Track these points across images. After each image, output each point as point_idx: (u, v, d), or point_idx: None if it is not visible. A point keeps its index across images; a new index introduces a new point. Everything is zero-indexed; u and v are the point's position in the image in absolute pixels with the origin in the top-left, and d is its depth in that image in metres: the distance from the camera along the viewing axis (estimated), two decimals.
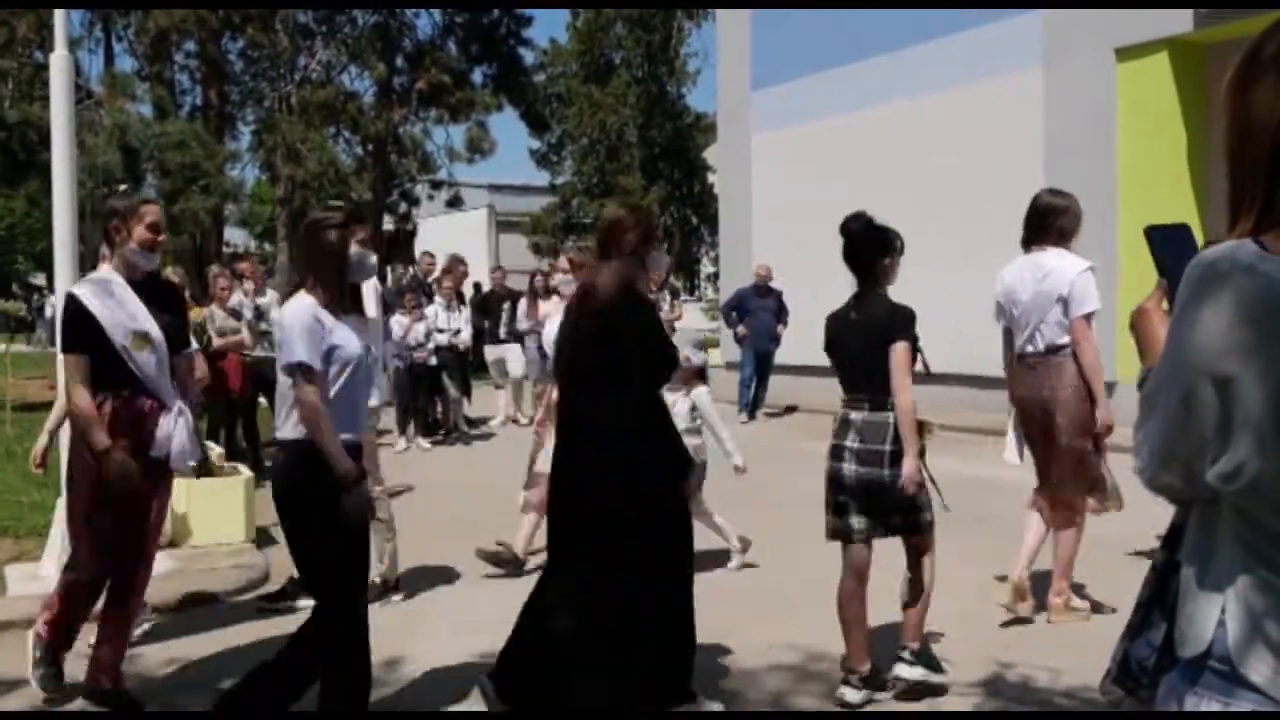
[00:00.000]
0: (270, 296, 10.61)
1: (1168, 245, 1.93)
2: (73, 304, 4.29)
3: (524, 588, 6.07)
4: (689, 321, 26.97)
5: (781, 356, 13.80)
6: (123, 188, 9.38)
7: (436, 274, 13.10)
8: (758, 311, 13.68)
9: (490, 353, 13.80)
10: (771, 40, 16.78)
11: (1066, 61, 12.32)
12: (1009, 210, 13.09)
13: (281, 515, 3.72)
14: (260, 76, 24.10)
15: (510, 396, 13.55)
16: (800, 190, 15.70)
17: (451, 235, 28.39)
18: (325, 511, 3.58)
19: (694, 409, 6.33)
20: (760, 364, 13.73)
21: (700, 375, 6.70)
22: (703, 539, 7.38)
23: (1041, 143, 12.58)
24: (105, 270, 4.43)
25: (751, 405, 13.68)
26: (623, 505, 3.88)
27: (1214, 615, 1.49)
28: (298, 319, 3.65)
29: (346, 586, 3.70)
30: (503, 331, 13.41)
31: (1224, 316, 1.43)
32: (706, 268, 35.38)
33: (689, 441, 5.37)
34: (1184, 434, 1.49)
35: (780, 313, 13.58)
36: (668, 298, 13.18)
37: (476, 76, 25.74)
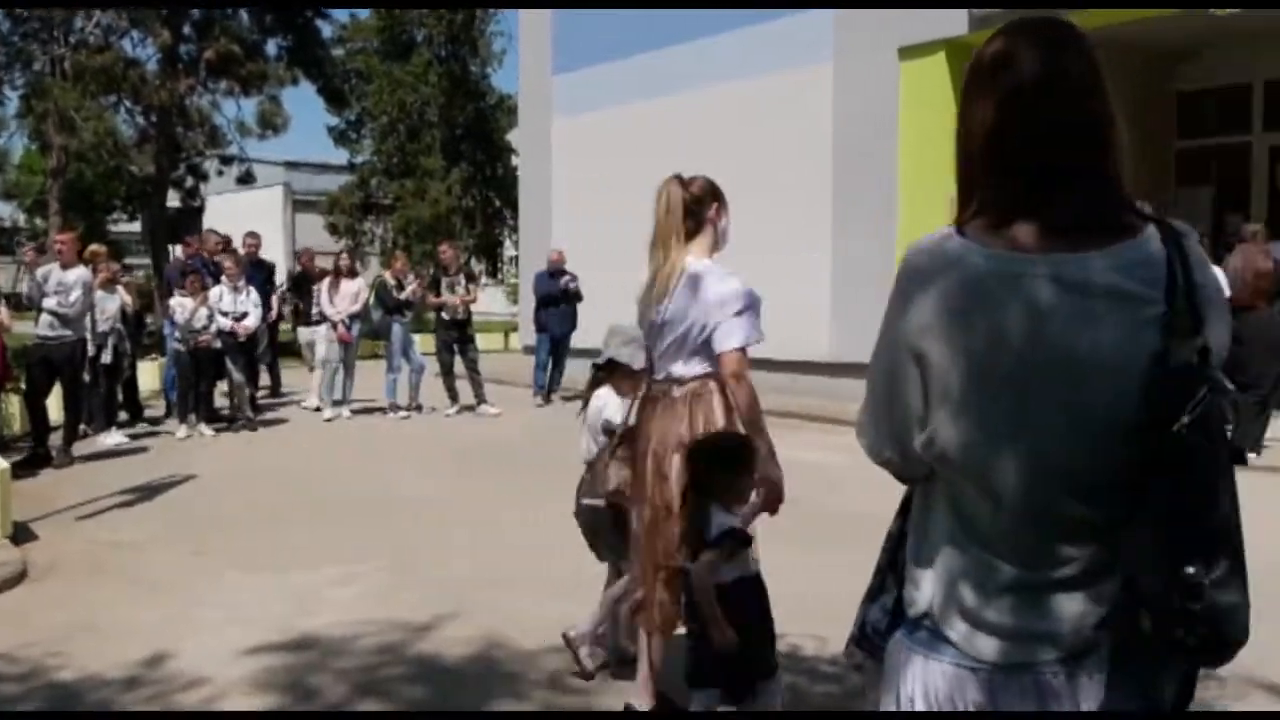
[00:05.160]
0: (78, 273, 9.72)
1: None
2: None
3: (303, 580, 5.95)
4: (490, 306, 26.80)
5: (579, 341, 13.84)
6: None
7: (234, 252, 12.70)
8: (554, 296, 13.69)
9: (302, 335, 13.71)
10: (573, 25, 16.78)
11: (854, 58, 12.77)
12: (802, 198, 13.64)
13: None
14: (30, 37, 22.53)
15: (323, 380, 13.03)
16: (600, 176, 15.78)
17: (243, 213, 27.34)
18: None
19: None
20: (555, 348, 13.75)
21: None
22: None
23: (831, 134, 13.01)
24: None
25: (547, 388, 13.69)
26: None
27: (929, 578, 1.63)
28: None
29: None
30: (314, 313, 13.09)
31: (926, 299, 1.56)
32: (509, 251, 35.14)
33: None
34: (892, 410, 1.63)
35: (569, 297, 13.60)
36: (463, 281, 13.01)
37: (270, 48, 24.83)
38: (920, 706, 1.63)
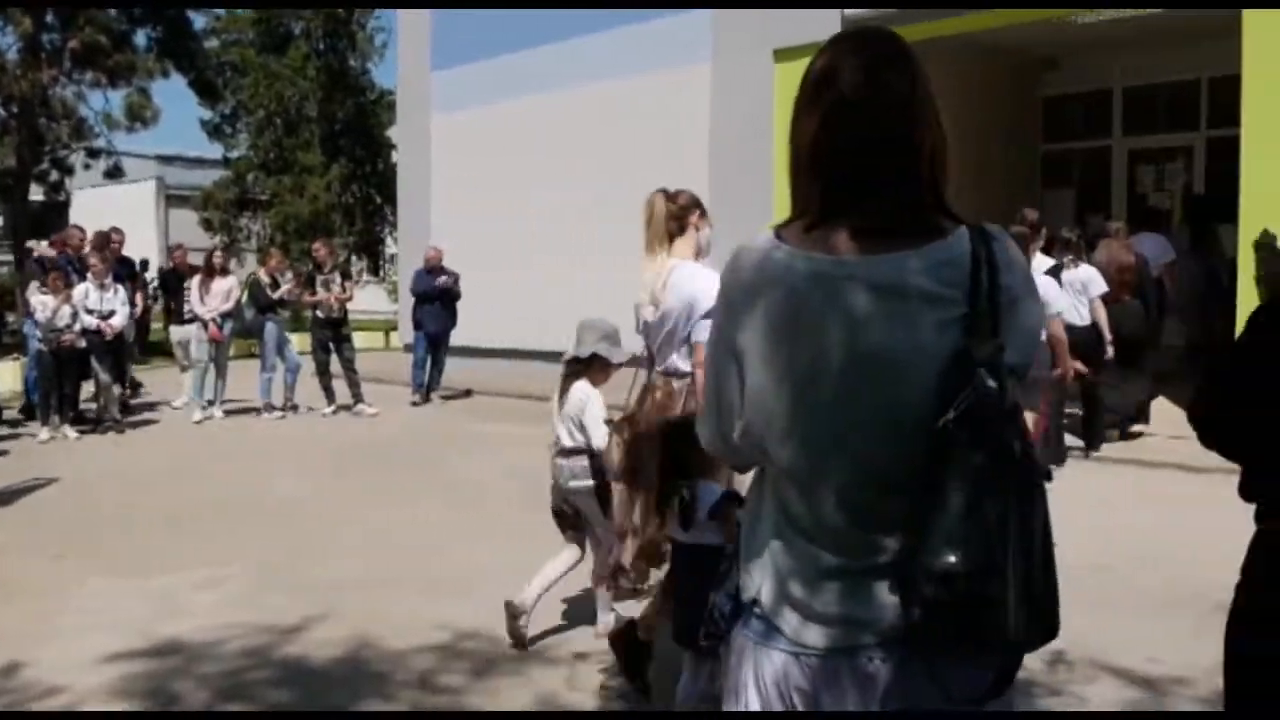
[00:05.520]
0: None
1: None
2: None
3: (168, 584, 5.80)
4: (372, 304, 26.37)
5: (459, 339, 13.73)
6: None
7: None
8: (430, 294, 13.54)
9: (175, 334, 13.24)
10: (453, 22, 16.63)
11: (732, 59, 12.93)
12: None
13: None
14: None
15: (196, 380, 12.62)
16: (478, 173, 15.69)
17: (114, 208, 26.38)
18: None
19: None
20: (434, 346, 13.61)
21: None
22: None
23: (708, 132, 13.15)
24: None
25: (426, 387, 13.54)
26: None
27: (758, 568, 1.69)
28: None
29: None
30: (186, 312, 12.71)
31: (752, 315, 1.63)
32: (390, 248, 34.56)
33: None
34: (720, 405, 1.71)
35: (447, 295, 13.47)
36: (338, 278, 12.79)
37: (140, 39, 24.04)
38: (750, 691, 1.68)
